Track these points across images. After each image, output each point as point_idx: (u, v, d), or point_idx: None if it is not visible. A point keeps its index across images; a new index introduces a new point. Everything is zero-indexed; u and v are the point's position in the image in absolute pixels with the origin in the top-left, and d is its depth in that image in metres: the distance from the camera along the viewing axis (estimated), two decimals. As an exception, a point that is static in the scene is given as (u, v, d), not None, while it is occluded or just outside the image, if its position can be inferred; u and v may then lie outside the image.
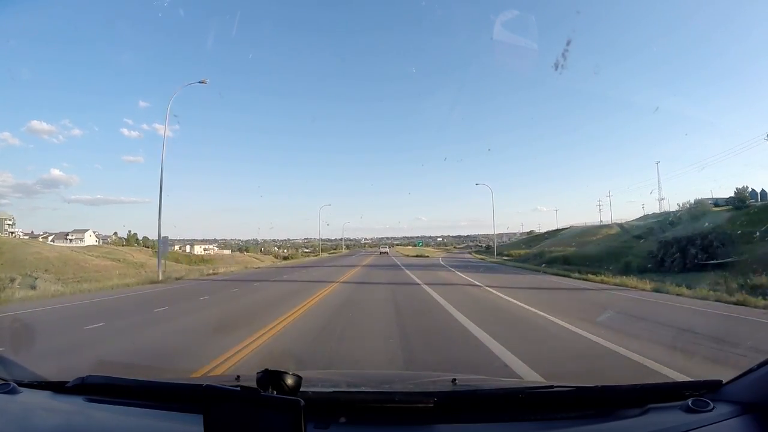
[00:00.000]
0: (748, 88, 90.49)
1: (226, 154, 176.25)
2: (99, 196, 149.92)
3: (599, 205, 68.61)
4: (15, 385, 1.50)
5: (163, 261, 18.29)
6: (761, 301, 8.88)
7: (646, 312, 8.31)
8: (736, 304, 8.95)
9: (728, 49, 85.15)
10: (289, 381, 0.99)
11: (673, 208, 47.57)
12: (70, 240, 68.58)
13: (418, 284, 13.55)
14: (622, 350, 4.72)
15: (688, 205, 39.14)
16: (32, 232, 69.29)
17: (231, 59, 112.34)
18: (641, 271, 18.03)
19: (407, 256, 52.98)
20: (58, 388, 1.50)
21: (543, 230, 70.88)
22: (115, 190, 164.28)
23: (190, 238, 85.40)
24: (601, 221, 56.93)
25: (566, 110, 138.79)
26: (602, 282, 14.51)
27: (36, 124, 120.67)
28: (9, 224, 59.90)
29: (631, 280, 13.87)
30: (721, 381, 1.30)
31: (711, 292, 10.46)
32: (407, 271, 20.44)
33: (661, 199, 51.62)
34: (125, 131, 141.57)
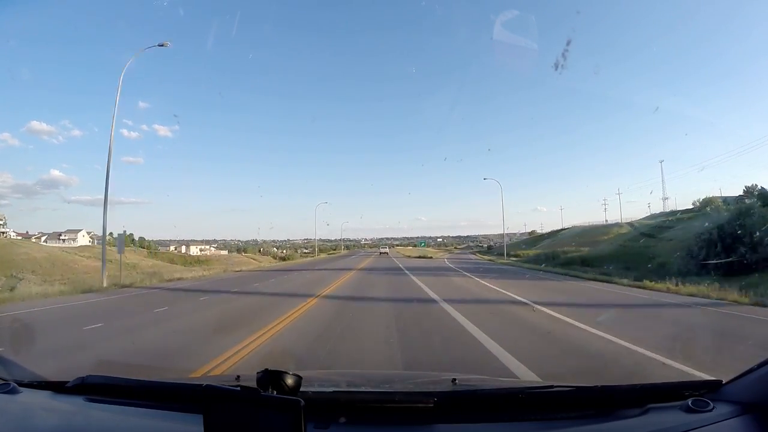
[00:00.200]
0: (748, 88, 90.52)
1: (226, 155, 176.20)
2: (99, 196, 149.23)
3: (605, 204, 68.15)
4: (15, 385, 1.50)
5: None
6: None
7: None
8: None
9: (728, 49, 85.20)
10: (289, 381, 0.99)
11: (676, 207, 47.43)
12: (63, 240, 67.38)
13: (434, 301, 9.33)
14: None
15: (698, 203, 38.79)
16: (27, 232, 68.75)
17: (231, 59, 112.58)
18: (682, 274, 15.48)
19: (409, 257, 50.40)
20: (58, 388, 1.50)
21: (547, 230, 70.73)
22: (115, 190, 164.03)
23: (190, 238, 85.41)
24: (607, 220, 56.23)
25: (566, 110, 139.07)
26: (668, 291, 11.70)
27: (36, 124, 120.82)
28: (0, 224, 58.97)
29: (707, 289, 11.03)
30: (721, 381, 1.30)
31: None
32: (413, 278, 16.33)
33: (665, 198, 51.40)
34: (125, 132, 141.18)
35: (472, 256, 53.88)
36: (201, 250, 78.21)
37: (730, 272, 16.20)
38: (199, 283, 16.51)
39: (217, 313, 8.29)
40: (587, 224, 58.26)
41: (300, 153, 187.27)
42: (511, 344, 4.92)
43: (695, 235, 20.96)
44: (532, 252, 44.52)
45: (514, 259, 39.38)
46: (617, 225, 47.93)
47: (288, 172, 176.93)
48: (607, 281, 15.34)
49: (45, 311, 8.70)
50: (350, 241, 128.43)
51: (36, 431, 1.29)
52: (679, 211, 44.58)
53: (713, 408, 1.18)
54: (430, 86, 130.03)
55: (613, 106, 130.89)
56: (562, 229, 63.19)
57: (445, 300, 9.23)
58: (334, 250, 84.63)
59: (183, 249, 75.78)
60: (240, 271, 26.23)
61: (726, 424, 1.12)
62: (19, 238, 56.00)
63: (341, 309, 8.32)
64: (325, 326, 6.35)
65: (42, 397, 1.48)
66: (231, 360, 4.30)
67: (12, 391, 1.46)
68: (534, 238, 71.54)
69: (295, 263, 40.03)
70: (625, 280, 14.73)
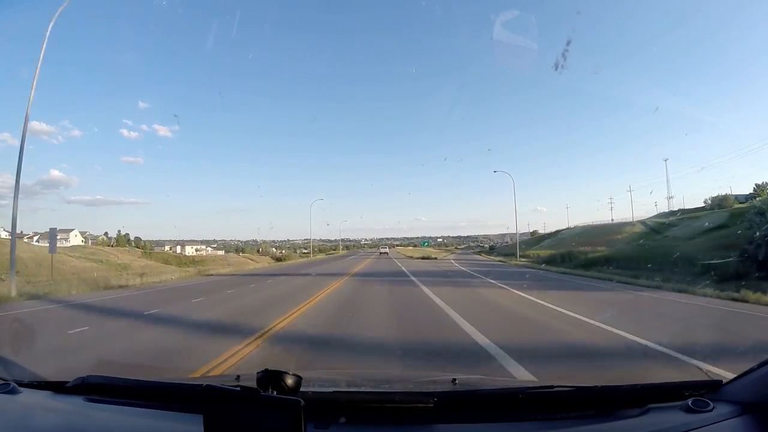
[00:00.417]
0: (748, 87, 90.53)
1: (226, 155, 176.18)
2: (99, 196, 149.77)
3: (611, 203, 67.65)
4: (15, 385, 1.50)
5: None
6: None
7: None
8: None
9: (728, 49, 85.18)
10: (289, 381, 0.99)
11: (684, 205, 46.75)
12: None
13: (491, 356, 4.63)
14: None
15: (709, 201, 38.28)
16: (21, 232, 67.67)
17: (231, 60, 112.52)
18: (739, 277, 13.37)
19: (411, 257, 47.25)
20: (58, 388, 1.50)
21: (549, 230, 70.61)
22: (114, 191, 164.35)
23: (190, 238, 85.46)
24: (613, 219, 55.68)
25: (566, 110, 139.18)
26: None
27: (35, 124, 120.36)
28: (-12, 223, 58.72)
29: None
30: (721, 381, 1.31)
31: None
32: (426, 289, 12.09)
33: (670, 197, 51.03)
34: (125, 132, 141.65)
35: (478, 257, 51.59)
36: (197, 250, 77.65)
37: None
38: (135, 294, 12.80)
39: (145, 343, 5.77)
40: (591, 224, 57.60)
41: (300, 153, 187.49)
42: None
43: (740, 233, 18.08)
44: (542, 252, 41.36)
45: (524, 260, 35.23)
46: (629, 223, 46.31)
47: (288, 172, 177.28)
48: (682, 290, 11.74)
49: None
50: (350, 241, 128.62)
51: (36, 431, 1.29)
52: (689, 209, 43.95)
53: (713, 408, 1.18)
54: (430, 86, 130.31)
55: (613, 106, 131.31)
56: (563, 230, 63.11)
57: (508, 349, 4.76)
58: (334, 250, 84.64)
59: (178, 249, 75.34)
60: (210, 275, 22.18)
61: (726, 424, 1.12)
62: (9, 237, 55.34)
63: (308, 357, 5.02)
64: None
65: (42, 397, 1.48)
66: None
67: (12, 391, 1.46)
68: (536, 238, 71.54)
69: (288, 264, 37.35)
70: (708, 290, 11.16)
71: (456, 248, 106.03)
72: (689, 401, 1.21)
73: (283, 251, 76.10)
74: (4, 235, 55.24)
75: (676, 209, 48.23)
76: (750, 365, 1.21)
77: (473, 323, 6.58)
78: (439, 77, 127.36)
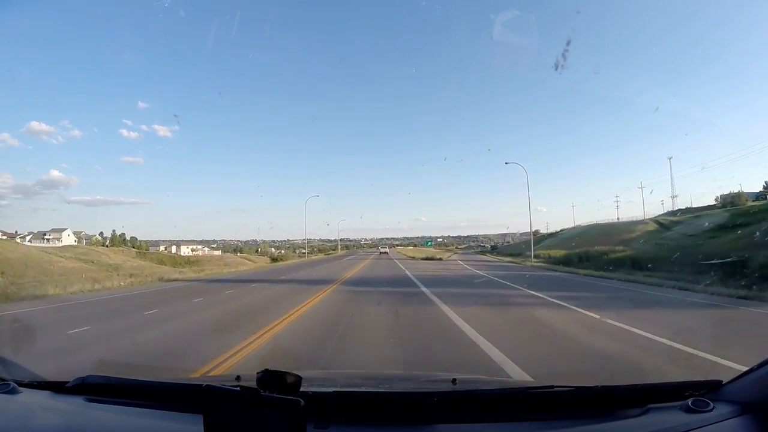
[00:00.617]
0: (748, 87, 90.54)
1: (225, 155, 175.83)
2: (99, 197, 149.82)
3: (617, 202, 67.41)
4: (15, 385, 1.50)
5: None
6: None
7: None
8: None
9: (728, 49, 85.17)
10: (289, 381, 0.99)
11: (691, 204, 45.93)
12: (47, 240, 64.85)
13: None
14: None
15: (720, 199, 37.30)
16: (16, 232, 66.91)
17: (231, 60, 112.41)
18: None
19: (413, 258, 43.18)
20: (58, 388, 1.50)
21: (555, 230, 70.30)
22: (114, 191, 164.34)
23: (190, 239, 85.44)
24: (618, 218, 54.97)
25: (566, 110, 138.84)
26: None
27: (35, 125, 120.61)
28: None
29: None
30: (721, 381, 1.30)
31: None
32: (446, 309, 8.07)
33: (674, 196, 50.64)
34: (124, 132, 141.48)
35: (483, 257, 48.64)
36: (193, 250, 76.81)
37: None
38: (54, 306, 10.04)
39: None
40: (595, 223, 56.84)
41: (300, 153, 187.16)
42: None
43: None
44: (554, 252, 37.70)
45: (536, 260, 31.58)
46: (640, 222, 44.10)
47: (288, 172, 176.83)
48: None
49: None
50: (350, 241, 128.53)
51: (36, 431, 1.29)
52: (697, 208, 42.93)
53: (713, 408, 1.18)
54: (430, 86, 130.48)
55: (613, 106, 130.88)
56: (563, 230, 63.03)
57: None
58: (333, 250, 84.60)
59: (173, 249, 74.64)
60: (174, 281, 18.40)
61: (726, 424, 1.12)
62: (5, 238, 53.19)
63: None
64: None
65: (42, 397, 1.48)
66: None
67: (12, 391, 1.46)
68: (538, 238, 71.47)
69: (282, 265, 34.07)
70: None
71: (456, 248, 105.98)
72: (689, 401, 1.21)
73: (283, 251, 75.64)
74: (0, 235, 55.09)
75: (682, 208, 46.90)
76: None
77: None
78: (439, 77, 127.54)
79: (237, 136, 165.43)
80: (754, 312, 8.19)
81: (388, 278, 17.15)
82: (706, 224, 27.83)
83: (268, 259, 53.62)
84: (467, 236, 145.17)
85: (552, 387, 1.33)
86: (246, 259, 56.06)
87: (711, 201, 45.14)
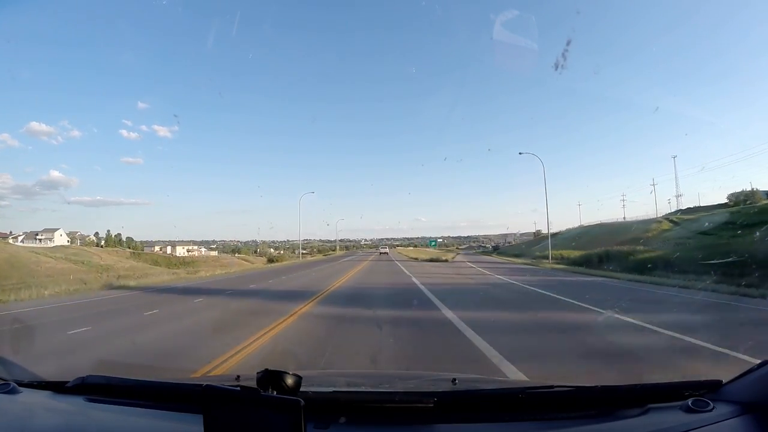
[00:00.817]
0: (748, 87, 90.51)
1: (225, 155, 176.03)
2: (99, 197, 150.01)
3: (623, 200, 66.53)
4: (15, 385, 1.50)
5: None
6: None
7: None
8: None
9: (728, 49, 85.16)
10: (289, 381, 0.99)
11: (699, 203, 44.87)
12: (39, 240, 64.00)
13: None
14: None
15: (732, 198, 36.09)
16: (10, 232, 66.68)
17: (231, 59, 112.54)
18: None
19: (416, 259, 38.66)
20: (58, 388, 1.50)
21: (558, 229, 70.04)
22: (115, 191, 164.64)
23: (190, 239, 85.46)
24: (625, 217, 54.11)
25: (566, 110, 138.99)
26: None
27: (35, 125, 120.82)
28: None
29: None
30: (721, 381, 1.30)
31: None
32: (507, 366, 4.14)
33: (679, 195, 50.22)
34: (124, 132, 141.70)
35: (491, 258, 45.09)
36: (188, 250, 76.18)
37: None
38: None
39: None
40: (601, 222, 55.99)
41: (300, 154, 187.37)
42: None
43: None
44: (567, 252, 33.68)
45: (549, 261, 28.55)
46: (652, 220, 41.83)
47: (288, 172, 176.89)
48: None
49: None
50: (350, 241, 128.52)
51: (36, 431, 1.29)
52: (705, 206, 41.84)
53: (713, 408, 1.18)
54: (430, 86, 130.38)
55: (613, 106, 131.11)
56: (564, 230, 62.89)
57: None
58: (333, 250, 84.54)
59: (168, 249, 73.95)
60: (122, 288, 15.03)
61: (726, 424, 1.12)
62: None
63: None
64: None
65: (42, 397, 1.48)
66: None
67: (12, 391, 1.46)
68: (540, 238, 71.35)
69: (272, 268, 31.21)
70: None
71: (457, 248, 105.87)
72: (689, 401, 1.21)
73: (282, 251, 75.47)
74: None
75: (691, 206, 45.88)
76: None
77: None
78: (439, 77, 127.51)
79: (237, 136, 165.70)
80: None
81: (390, 289, 12.98)
82: (722, 222, 26.33)
83: (265, 260, 53.12)
84: (467, 236, 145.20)
85: (552, 387, 1.33)
86: (243, 259, 55.57)
87: (713, 200, 44.74)
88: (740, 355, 4.59)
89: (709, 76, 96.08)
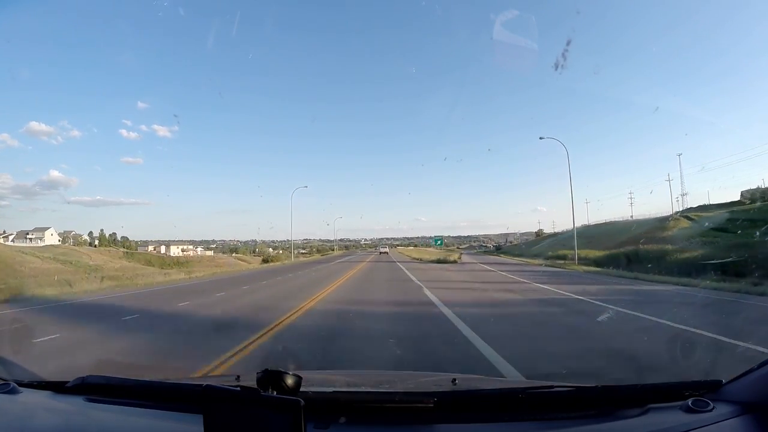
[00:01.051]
0: (748, 87, 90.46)
1: (225, 155, 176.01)
2: (99, 197, 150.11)
3: (631, 199, 65.42)
4: (15, 385, 1.50)
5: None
6: None
7: None
8: None
9: (728, 49, 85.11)
10: (289, 381, 0.99)
11: (708, 201, 44.14)
12: (30, 239, 63.33)
13: None
14: None
15: (747, 195, 35.33)
16: (4, 231, 66.42)
17: (231, 59, 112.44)
18: None
19: (420, 260, 35.28)
20: (58, 388, 1.50)
21: (561, 230, 69.89)
22: (114, 191, 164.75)
23: (189, 239, 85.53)
24: (633, 216, 53.29)
25: (566, 110, 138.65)
26: None
27: (35, 125, 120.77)
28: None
29: None
30: (721, 381, 1.30)
31: None
32: None
33: (684, 194, 49.78)
34: (124, 132, 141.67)
35: (499, 258, 41.72)
36: (183, 250, 75.75)
37: None
38: None
39: None
40: (606, 221, 55.17)
41: (300, 154, 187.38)
42: None
43: None
44: (586, 252, 29.03)
45: (575, 262, 25.48)
46: (667, 218, 39.21)
47: (288, 172, 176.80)
48: None
49: None
50: (349, 241, 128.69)
51: (36, 431, 1.29)
52: (715, 205, 40.92)
53: (713, 408, 1.18)
54: (430, 86, 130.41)
55: (613, 106, 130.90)
56: (564, 231, 62.90)
57: None
58: (332, 250, 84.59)
59: (163, 249, 73.51)
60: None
61: (726, 424, 1.12)
62: None
63: None
64: None
65: (42, 397, 1.48)
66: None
67: (12, 391, 1.46)
68: (541, 238, 71.40)
69: (271, 267, 30.50)
70: None
71: (458, 248, 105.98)
72: (689, 401, 1.21)
73: (280, 251, 75.22)
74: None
75: (701, 204, 45.12)
76: None
77: None
78: (439, 77, 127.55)
79: (237, 136, 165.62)
80: None
81: (395, 313, 8.18)
82: (745, 220, 25.50)
83: (261, 261, 52.29)
84: (467, 236, 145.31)
85: (552, 387, 1.33)
86: (240, 259, 54.90)
87: (714, 199, 44.53)
88: None
89: (709, 76, 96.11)
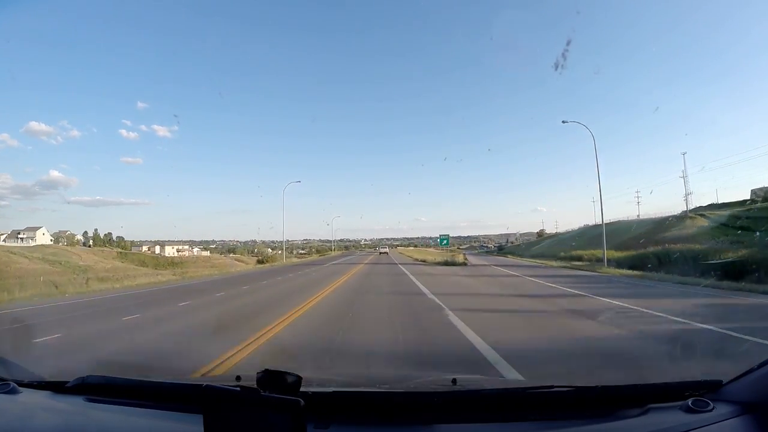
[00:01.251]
0: (748, 87, 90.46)
1: (225, 155, 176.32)
2: (98, 197, 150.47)
3: (637, 197, 64.67)
4: (15, 385, 1.50)
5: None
6: None
7: None
8: None
9: (728, 48, 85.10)
10: (289, 381, 0.99)
11: (717, 200, 43.87)
12: (21, 239, 62.36)
13: None
14: None
15: (762, 192, 33.93)
16: None
17: (231, 59, 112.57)
18: None
19: (424, 262, 32.20)
20: (58, 388, 1.50)
21: (554, 231, 70.07)
22: (114, 191, 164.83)
23: (189, 239, 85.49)
24: (639, 215, 52.34)
25: (566, 110, 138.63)
26: None
27: (35, 125, 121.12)
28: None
29: None
30: (721, 381, 1.30)
31: None
32: None
33: (689, 194, 49.47)
34: (124, 132, 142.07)
35: (507, 259, 38.98)
36: (178, 250, 74.69)
37: None
38: None
39: None
40: (613, 221, 54.15)
41: (299, 154, 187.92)
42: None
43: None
44: (608, 253, 24.09)
45: (581, 263, 24.35)
46: (681, 217, 37.16)
47: (288, 172, 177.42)
48: None
49: None
50: (349, 241, 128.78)
51: (36, 431, 1.29)
52: (725, 203, 40.64)
53: (713, 408, 1.18)
54: (430, 86, 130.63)
55: (613, 106, 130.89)
56: (564, 231, 62.88)
57: None
58: (331, 250, 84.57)
59: (157, 249, 72.70)
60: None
61: (726, 424, 1.13)
62: None
63: None
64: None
65: (42, 397, 1.48)
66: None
67: (12, 391, 1.46)
68: (542, 239, 71.45)
69: (266, 269, 28.49)
70: None
71: (458, 248, 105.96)
72: (689, 401, 1.21)
73: (279, 251, 75.13)
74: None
75: (711, 203, 44.54)
76: None
77: None
78: (440, 77, 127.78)
79: (237, 136, 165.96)
80: None
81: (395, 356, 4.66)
82: (764, 218, 24.48)
83: (258, 261, 51.14)
84: (467, 236, 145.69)
85: (552, 387, 1.33)
86: (237, 260, 54.30)
87: (714, 199, 44.46)
88: None
89: (709, 76, 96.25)
